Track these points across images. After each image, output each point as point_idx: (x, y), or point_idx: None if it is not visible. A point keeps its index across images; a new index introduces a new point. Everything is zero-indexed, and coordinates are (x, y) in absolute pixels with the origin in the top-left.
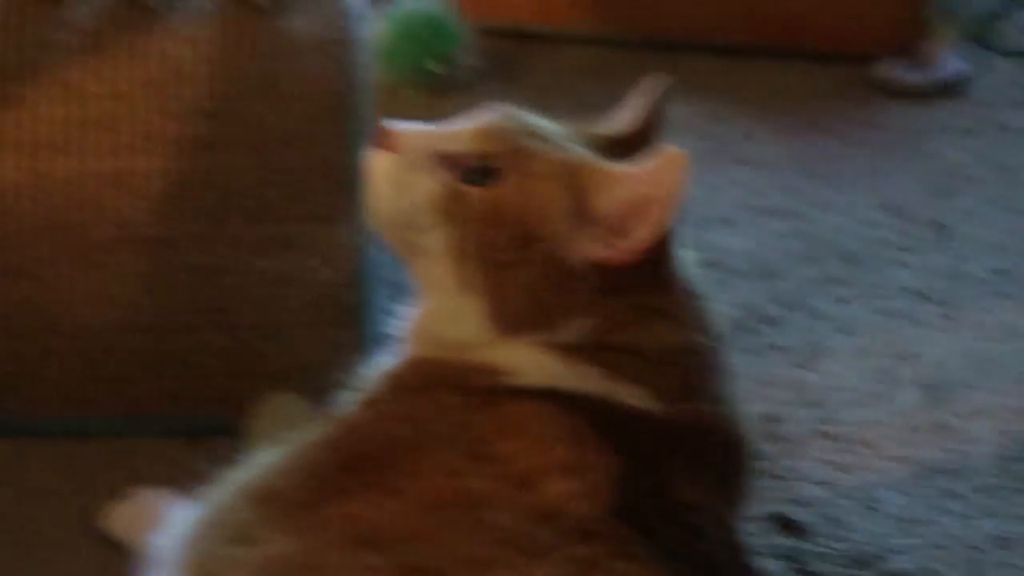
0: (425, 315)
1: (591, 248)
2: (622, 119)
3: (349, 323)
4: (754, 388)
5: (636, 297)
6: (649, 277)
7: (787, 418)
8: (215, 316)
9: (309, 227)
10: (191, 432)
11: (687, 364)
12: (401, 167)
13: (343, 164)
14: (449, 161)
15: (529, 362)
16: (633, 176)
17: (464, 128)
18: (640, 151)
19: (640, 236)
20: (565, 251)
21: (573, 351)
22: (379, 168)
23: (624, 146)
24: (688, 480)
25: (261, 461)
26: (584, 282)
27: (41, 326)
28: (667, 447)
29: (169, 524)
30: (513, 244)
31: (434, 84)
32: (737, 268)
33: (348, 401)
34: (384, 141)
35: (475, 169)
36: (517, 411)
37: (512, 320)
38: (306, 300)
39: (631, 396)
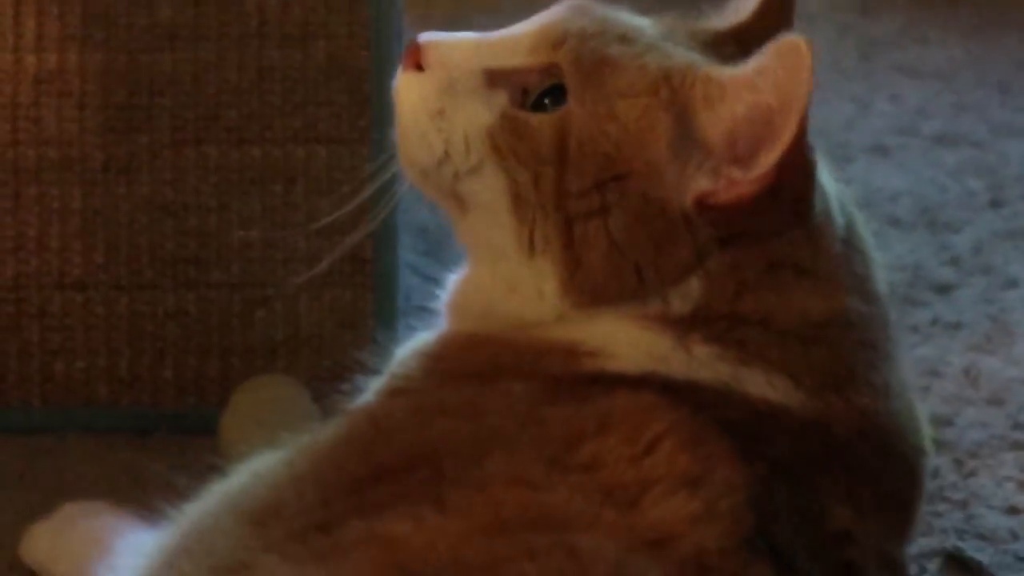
0: (474, 284)
1: (702, 183)
2: (739, 8)
3: (365, 284)
4: (918, 379)
5: (768, 249)
6: (785, 221)
7: (962, 420)
8: (180, 270)
9: (312, 150)
10: (142, 428)
11: (839, 342)
12: (439, 90)
13: (358, 66)
14: (504, 80)
15: (623, 340)
16: (743, 80)
17: (522, 33)
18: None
19: (765, 161)
20: (666, 191)
21: (682, 325)
22: (410, 93)
23: (743, 44)
24: (841, 500)
25: (253, 468)
26: (693, 231)
27: None
28: (813, 455)
29: (118, 551)
30: (595, 186)
31: None
32: (894, 215)
33: (368, 388)
34: (415, 57)
35: (540, 89)
36: (611, 404)
37: (596, 287)
38: (307, 251)
39: (762, 385)
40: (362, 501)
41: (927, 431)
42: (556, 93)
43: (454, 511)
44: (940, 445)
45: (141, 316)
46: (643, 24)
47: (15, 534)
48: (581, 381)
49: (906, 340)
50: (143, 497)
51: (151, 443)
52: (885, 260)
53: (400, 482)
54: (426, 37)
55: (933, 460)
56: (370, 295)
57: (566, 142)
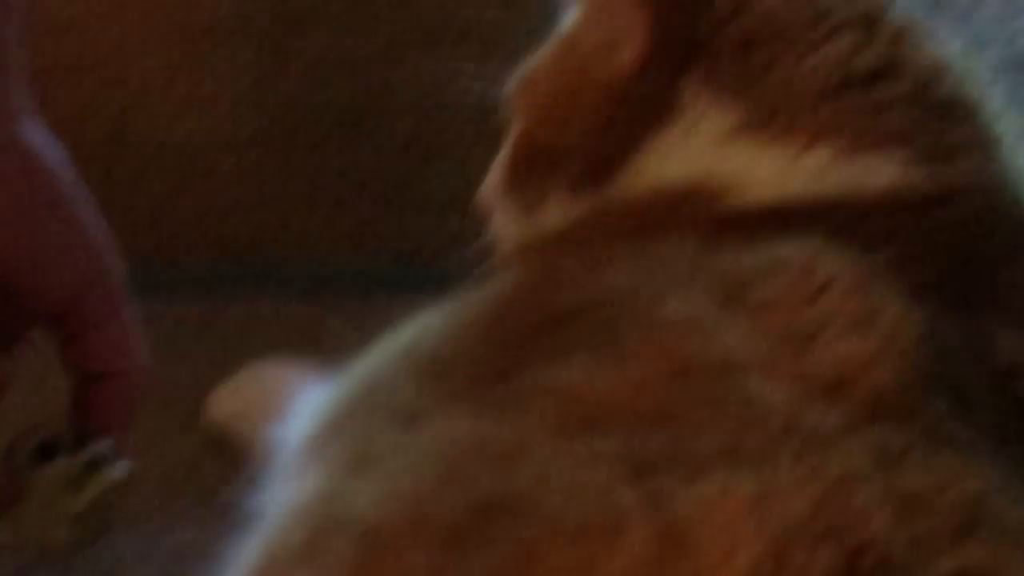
0: None
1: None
2: None
3: None
4: None
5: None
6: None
7: None
8: (351, 126)
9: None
10: (318, 286)
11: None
12: None
13: None
14: None
15: (735, 165)
16: None
17: None
18: None
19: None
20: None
21: (763, 129)
22: None
23: None
24: (1004, 319)
25: (423, 322)
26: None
27: (118, 136)
28: (969, 258)
29: (298, 408)
30: None
31: None
32: None
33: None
34: None
35: None
36: (779, 250)
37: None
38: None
39: (879, 170)
40: (539, 348)
41: None
42: None
43: (631, 356)
44: None
45: (315, 172)
46: None
47: (193, 392)
48: (732, 223)
49: None
50: (319, 355)
51: (326, 300)
52: None
53: (576, 328)
54: None
55: None
56: None
57: None
